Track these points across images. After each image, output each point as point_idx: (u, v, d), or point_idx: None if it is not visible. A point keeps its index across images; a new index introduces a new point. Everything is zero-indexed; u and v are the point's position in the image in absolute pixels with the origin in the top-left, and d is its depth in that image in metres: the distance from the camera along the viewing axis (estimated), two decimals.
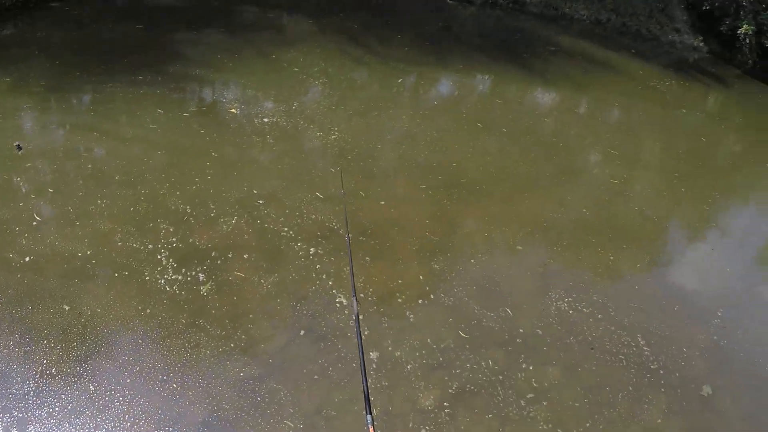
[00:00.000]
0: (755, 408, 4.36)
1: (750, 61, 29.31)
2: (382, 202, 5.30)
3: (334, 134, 6.23)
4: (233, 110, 6.33)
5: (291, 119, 6.34)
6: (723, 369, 4.62)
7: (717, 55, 28.01)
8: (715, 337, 4.89)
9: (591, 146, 7.94)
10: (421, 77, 8.60)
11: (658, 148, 9.18)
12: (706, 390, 4.36)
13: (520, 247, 5.05)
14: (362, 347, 2.05)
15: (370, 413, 1.76)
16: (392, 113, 7.11)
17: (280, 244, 4.74)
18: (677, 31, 26.03)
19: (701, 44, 27.20)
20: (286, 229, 4.87)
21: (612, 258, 5.26)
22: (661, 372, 4.30)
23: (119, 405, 3.51)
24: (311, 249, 4.71)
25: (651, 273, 5.51)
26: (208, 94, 6.79)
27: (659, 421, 4.07)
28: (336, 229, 4.91)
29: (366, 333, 4.13)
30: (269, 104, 6.69)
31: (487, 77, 9.58)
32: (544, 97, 9.45)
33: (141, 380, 3.68)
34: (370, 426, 1.70)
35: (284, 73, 7.37)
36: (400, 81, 8.10)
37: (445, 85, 8.67)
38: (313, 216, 5.07)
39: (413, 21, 11.44)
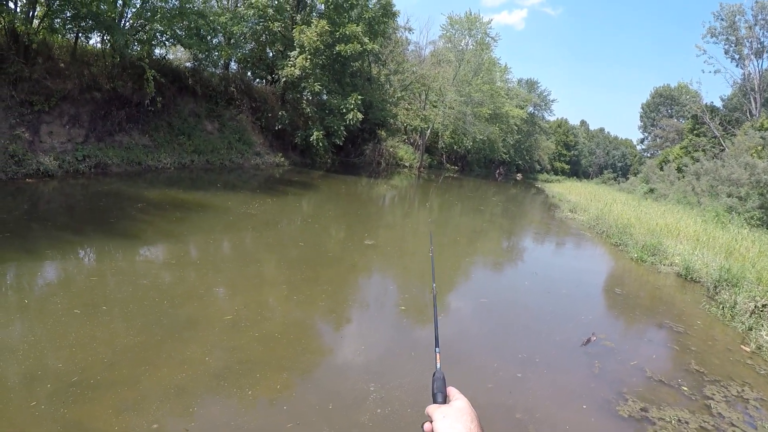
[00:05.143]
0: None
1: (328, 160, 34.66)
2: None
3: None
4: None
5: None
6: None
7: (299, 164, 32.30)
8: (378, 410, 5.21)
9: (198, 292, 7.85)
10: (11, 276, 7.42)
11: (265, 268, 9.76)
12: None
13: (156, 426, 4.56)
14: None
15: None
16: None
17: None
18: (258, 154, 29.09)
19: (282, 159, 30.98)
20: None
21: (250, 392, 5.16)
22: None
23: None
24: None
25: (295, 385, 5.60)
26: None
27: None
28: None
29: None
30: None
31: (77, 255, 8.86)
32: (143, 259, 9.14)
33: None
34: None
35: None
36: None
37: (42, 278, 7.62)
38: None
39: None
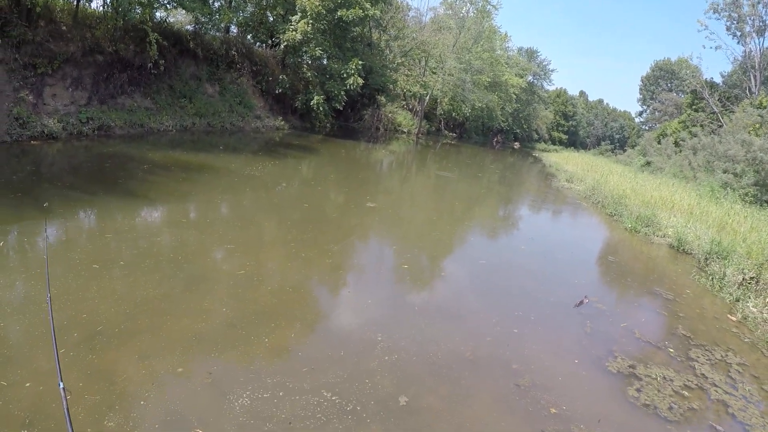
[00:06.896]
0: (444, 389, 5.07)
1: (328, 125, 34.65)
2: (28, 384, 4.48)
3: None
4: None
5: None
6: (406, 378, 5.28)
7: (299, 128, 32.28)
8: (386, 357, 5.58)
9: (210, 248, 8.16)
10: (23, 234, 7.64)
11: (273, 227, 10.08)
12: (403, 399, 4.92)
13: (180, 369, 4.90)
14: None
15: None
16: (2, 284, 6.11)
17: None
18: (258, 117, 29.06)
19: (282, 123, 30.97)
20: None
21: (267, 340, 5.50)
22: (358, 408, 4.65)
23: None
24: None
25: (308, 334, 5.96)
26: None
27: None
28: None
29: None
30: None
31: (90, 214, 9.12)
32: (153, 217, 9.43)
33: None
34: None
35: None
36: (1, 244, 7.05)
37: (59, 235, 7.84)
38: None
39: None
